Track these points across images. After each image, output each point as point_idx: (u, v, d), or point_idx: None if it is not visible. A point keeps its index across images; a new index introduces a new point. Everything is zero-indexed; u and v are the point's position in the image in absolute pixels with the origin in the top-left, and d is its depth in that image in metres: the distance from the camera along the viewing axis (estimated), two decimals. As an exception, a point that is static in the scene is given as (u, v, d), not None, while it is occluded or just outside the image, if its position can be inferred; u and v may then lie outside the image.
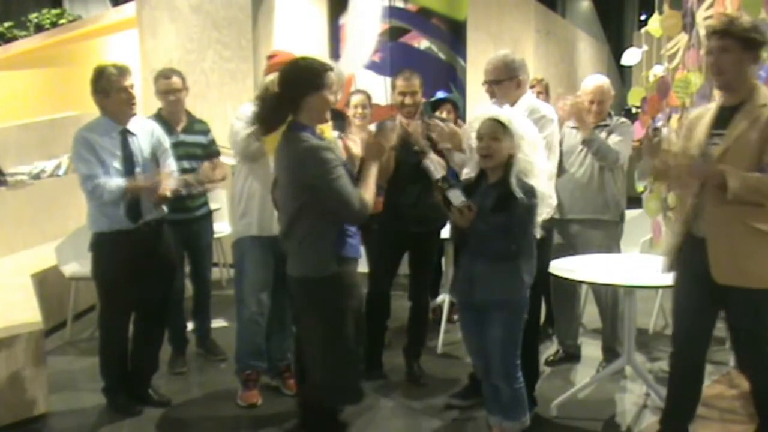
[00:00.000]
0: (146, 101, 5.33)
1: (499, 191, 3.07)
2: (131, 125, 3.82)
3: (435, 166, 3.71)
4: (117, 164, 3.73)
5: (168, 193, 3.80)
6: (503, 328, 3.16)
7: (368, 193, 3.00)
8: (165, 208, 3.94)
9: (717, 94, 3.31)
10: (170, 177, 3.89)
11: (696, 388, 3.24)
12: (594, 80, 4.35)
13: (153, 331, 4.04)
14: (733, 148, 2.90)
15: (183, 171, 4.32)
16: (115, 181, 3.68)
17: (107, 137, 3.74)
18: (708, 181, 2.92)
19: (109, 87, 3.72)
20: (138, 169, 3.79)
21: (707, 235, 2.99)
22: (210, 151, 4.54)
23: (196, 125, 4.51)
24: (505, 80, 3.64)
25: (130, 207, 3.75)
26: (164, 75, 4.43)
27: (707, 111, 3.09)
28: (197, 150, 4.46)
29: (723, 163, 2.89)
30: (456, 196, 3.03)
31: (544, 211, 3.21)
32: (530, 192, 3.04)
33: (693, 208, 3.05)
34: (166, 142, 4.01)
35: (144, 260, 3.78)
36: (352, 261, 3.09)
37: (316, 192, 2.92)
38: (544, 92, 5.00)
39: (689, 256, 3.08)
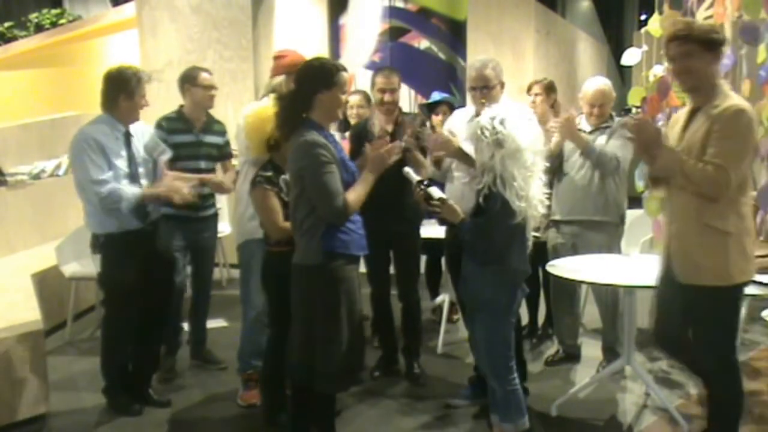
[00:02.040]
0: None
1: (478, 196, 3.14)
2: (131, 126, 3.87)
3: (414, 170, 3.63)
4: (123, 165, 3.76)
5: (191, 198, 3.88)
6: (485, 328, 3.21)
7: (356, 196, 3.10)
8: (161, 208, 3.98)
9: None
10: (182, 182, 3.90)
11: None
12: (594, 84, 4.32)
13: (154, 330, 4.04)
14: (685, 149, 3.00)
15: (199, 171, 4.32)
16: (132, 190, 3.71)
17: (113, 138, 3.76)
18: (647, 145, 3.00)
19: (137, 91, 3.78)
20: (141, 170, 3.83)
21: (669, 234, 3.11)
22: (224, 153, 4.54)
23: (214, 126, 4.49)
24: (497, 85, 3.75)
25: (138, 207, 3.77)
26: (205, 70, 4.42)
27: (682, 115, 3.18)
28: (213, 151, 4.45)
29: None
30: (435, 191, 3.23)
31: (531, 220, 3.17)
32: (492, 200, 3.04)
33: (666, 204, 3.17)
34: (161, 143, 4.05)
35: (149, 259, 3.82)
36: (341, 256, 3.13)
37: (304, 184, 3.07)
38: (543, 93, 4.90)
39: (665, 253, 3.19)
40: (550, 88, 4.92)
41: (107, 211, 3.73)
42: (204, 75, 4.37)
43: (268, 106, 3.58)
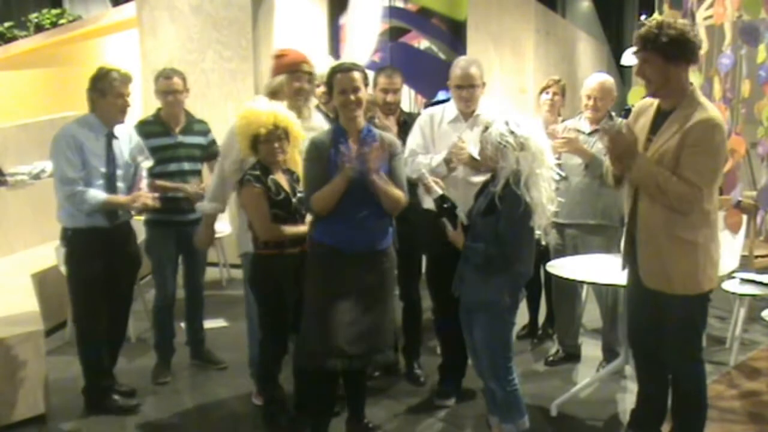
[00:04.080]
0: (146, 101, 5.32)
1: (491, 196, 3.11)
2: (116, 128, 3.86)
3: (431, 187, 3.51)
4: (100, 165, 3.77)
5: (150, 202, 3.84)
6: (485, 330, 3.20)
7: (320, 193, 3.27)
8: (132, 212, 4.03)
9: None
10: (147, 193, 3.90)
11: (660, 388, 3.28)
12: (596, 77, 4.33)
13: (118, 321, 4.06)
14: (657, 157, 2.98)
15: (183, 173, 4.31)
16: (95, 194, 3.71)
17: (94, 138, 3.77)
18: (622, 155, 2.99)
19: (108, 90, 3.75)
20: (120, 172, 3.84)
21: (638, 240, 3.10)
22: (209, 152, 4.48)
23: (195, 126, 4.45)
24: (480, 84, 3.77)
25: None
26: (165, 75, 4.36)
27: (650, 107, 3.14)
28: (196, 151, 4.42)
29: None
30: (463, 217, 3.24)
31: (543, 222, 3.17)
32: (513, 201, 3.02)
33: (631, 210, 3.14)
34: (146, 149, 4.04)
35: (116, 257, 3.86)
36: (321, 246, 3.35)
37: None
38: (561, 94, 4.89)
39: (631, 256, 3.18)
40: (564, 90, 4.93)
41: (87, 213, 3.75)
42: (161, 81, 4.33)
43: (254, 108, 3.57)
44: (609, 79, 4.32)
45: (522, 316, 4.64)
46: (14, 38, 13.96)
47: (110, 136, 3.83)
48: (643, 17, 3.10)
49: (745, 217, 4.85)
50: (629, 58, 5.09)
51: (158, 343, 4.44)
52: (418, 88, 6.08)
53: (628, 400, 4.04)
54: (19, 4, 17.35)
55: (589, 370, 4.41)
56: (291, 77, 3.80)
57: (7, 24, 15.34)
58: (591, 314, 4.93)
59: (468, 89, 3.72)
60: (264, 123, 3.48)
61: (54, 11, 16.05)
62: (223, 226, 6.34)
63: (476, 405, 3.93)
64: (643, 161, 2.95)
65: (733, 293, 4.62)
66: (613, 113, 4.37)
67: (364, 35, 6.24)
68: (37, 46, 11.01)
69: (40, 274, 5.07)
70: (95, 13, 14.55)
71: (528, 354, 4.76)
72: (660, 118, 3.05)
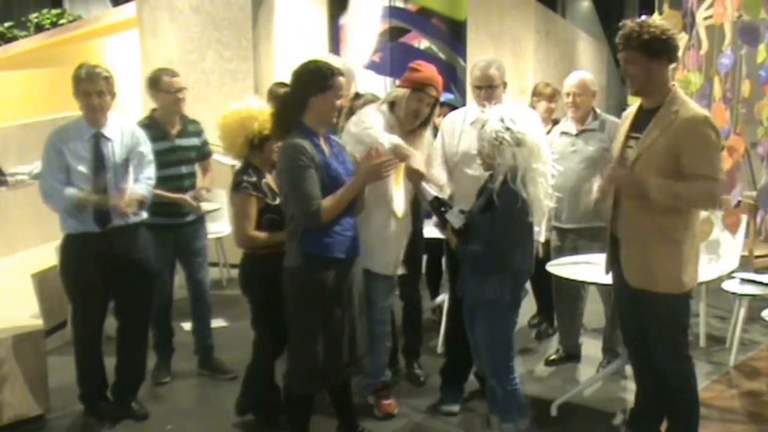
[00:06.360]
0: (147, 102, 5.31)
1: (490, 193, 3.10)
2: (108, 128, 3.68)
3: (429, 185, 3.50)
4: (83, 168, 3.60)
5: (122, 204, 3.58)
6: (486, 328, 3.20)
7: (333, 201, 3.08)
8: (144, 213, 3.81)
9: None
10: (127, 194, 3.62)
11: (659, 390, 3.26)
12: (575, 75, 4.32)
13: (134, 340, 3.91)
14: (644, 155, 2.98)
15: (181, 176, 4.26)
16: (68, 191, 3.56)
17: (78, 141, 3.62)
18: (627, 190, 3.02)
19: (75, 89, 3.62)
20: (109, 174, 3.64)
21: (621, 238, 3.10)
22: (203, 153, 4.45)
23: (189, 127, 4.37)
24: (500, 85, 3.73)
25: (98, 212, 3.64)
26: (170, 73, 4.24)
27: (631, 113, 3.17)
28: (192, 153, 4.36)
29: (636, 167, 2.99)
30: (456, 220, 3.15)
31: (542, 219, 3.19)
32: (510, 198, 3.01)
33: (613, 209, 3.15)
34: (143, 147, 3.80)
35: (114, 264, 3.69)
36: (319, 258, 3.13)
37: (284, 186, 3.18)
38: (546, 101, 4.92)
39: (613, 256, 3.17)
40: (553, 96, 4.95)
41: (67, 212, 3.65)
42: (166, 79, 4.18)
43: (249, 107, 3.53)
44: (588, 76, 4.31)
45: (530, 306, 4.62)
46: (14, 38, 14.00)
47: (98, 137, 3.65)
48: (643, 17, 3.09)
49: (745, 217, 4.85)
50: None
51: (158, 344, 4.43)
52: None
53: (628, 400, 4.04)
54: (19, 4, 17.38)
55: (589, 370, 4.40)
56: (413, 95, 3.61)
57: (7, 24, 15.38)
58: (591, 314, 4.93)
59: (487, 90, 3.68)
60: (264, 122, 3.46)
61: (54, 11, 16.10)
62: (223, 226, 6.34)
63: (476, 404, 3.92)
64: (654, 181, 2.91)
65: (733, 293, 4.61)
66: (598, 110, 4.33)
67: (364, 35, 6.24)
68: (37, 46, 11.03)
69: (40, 274, 5.06)
70: (95, 13, 14.57)
71: (528, 354, 4.76)
72: (642, 117, 3.06)
